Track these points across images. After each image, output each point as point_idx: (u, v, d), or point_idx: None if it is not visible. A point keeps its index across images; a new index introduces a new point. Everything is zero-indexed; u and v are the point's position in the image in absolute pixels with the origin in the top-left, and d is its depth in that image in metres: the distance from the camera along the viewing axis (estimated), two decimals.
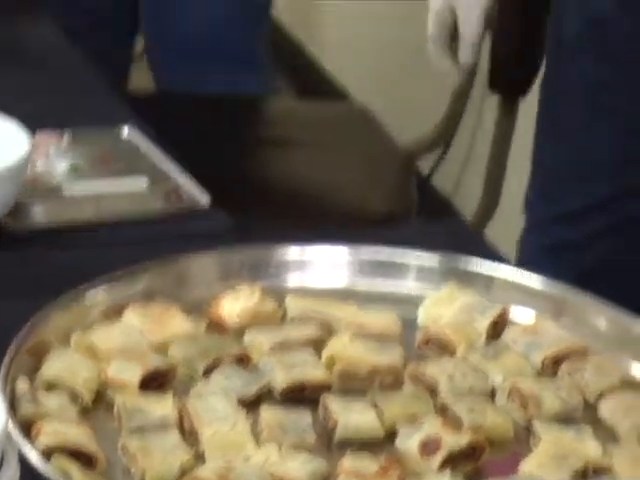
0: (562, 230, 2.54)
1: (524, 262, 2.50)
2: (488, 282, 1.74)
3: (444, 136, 3.36)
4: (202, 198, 1.94)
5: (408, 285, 1.77)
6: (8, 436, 1.30)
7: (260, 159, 3.15)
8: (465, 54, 2.49)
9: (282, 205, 2.78)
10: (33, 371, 1.53)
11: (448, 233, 2.37)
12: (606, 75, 2.19)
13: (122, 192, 1.93)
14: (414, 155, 3.36)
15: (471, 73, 2.64)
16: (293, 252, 1.77)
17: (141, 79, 3.84)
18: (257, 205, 2.45)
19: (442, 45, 2.50)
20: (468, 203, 3.37)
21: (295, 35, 5.62)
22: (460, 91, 3.23)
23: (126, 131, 2.08)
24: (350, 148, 3.30)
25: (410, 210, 3.15)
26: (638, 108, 2.08)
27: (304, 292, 1.71)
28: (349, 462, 1.43)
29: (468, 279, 1.74)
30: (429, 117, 3.44)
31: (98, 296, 1.65)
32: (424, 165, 3.52)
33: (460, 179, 3.25)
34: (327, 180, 3.13)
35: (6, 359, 1.50)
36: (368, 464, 1.44)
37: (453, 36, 2.50)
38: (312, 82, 5.34)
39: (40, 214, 1.88)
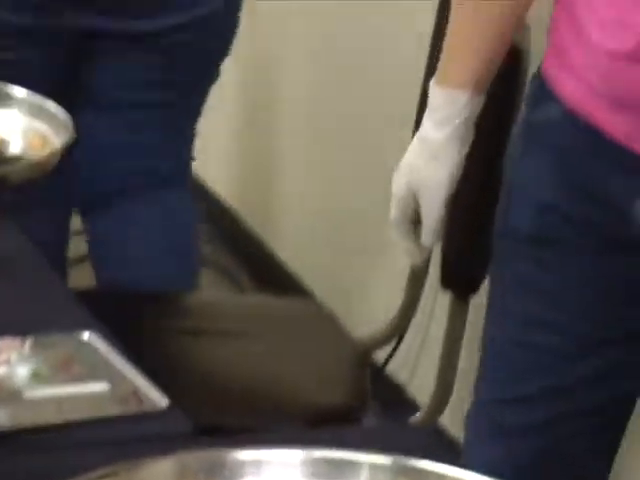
0: (513, 413, 2.55)
1: (472, 444, 2.60)
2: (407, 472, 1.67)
3: (399, 328, 3.39)
4: (161, 401, 1.95)
5: None
6: None
7: (215, 354, 3.18)
8: (427, 238, 2.52)
9: (238, 402, 2.79)
10: None
11: (401, 429, 2.39)
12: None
13: (83, 396, 1.94)
14: (369, 349, 3.40)
15: (427, 260, 2.69)
16: (247, 454, 1.69)
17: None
18: (213, 402, 2.42)
19: (405, 228, 2.53)
20: (424, 391, 3.38)
21: (254, 229, 5.66)
22: (415, 279, 3.33)
23: (87, 335, 2.10)
24: (306, 343, 3.34)
25: (364, 404, 3.15)
26: None
27: None
28: None
29: (419, 477, 1.68)
30: (385, 311, 3.49)
31: None
32: (379, 354, 3.55)
33: (415, 367, 3.24)
34: (283, 374, 3.16)
35: None
36: None
37: (416, 220, 2.53)
38: (271, 276, 5.39)
39: (3, 417, 1.88)
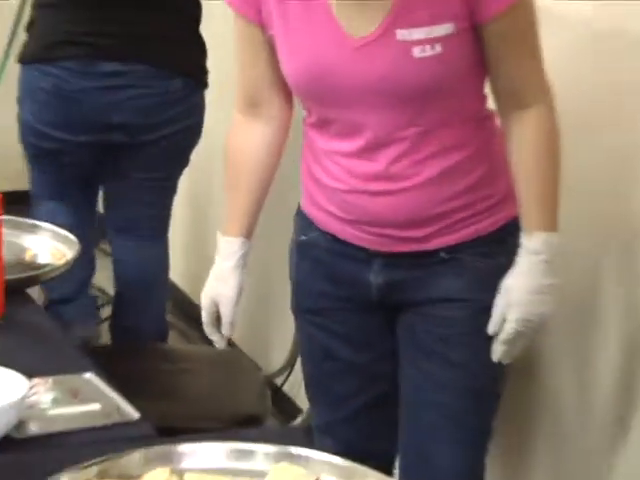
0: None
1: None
2: (306, 460, 1.78)
3: (290, 363, 3.49)
4: (134, 414, 2.01)
5: (258, 464, 1.80)
6: None
7: (171, 383, 3.19)
8: (225, 330, 2.54)
9: (182, 414, 2.84)
10: None
11: (287, 429, 2.47)
12: None
13: (84, 412, 2.00)
14: (271, 376, 3.50)
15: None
16: (187, 447, 1.81)
17: None
18: (168, 413, 2.46)
19: (212, 326, 2.55)
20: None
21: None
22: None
23: (88, 375, 2.14)
24: (229, 374, 3.44)
25: (265, 413, 3.25)
26: None
27: (195, 471, 1.76)
28: None
29: (295, 459, 1.79)
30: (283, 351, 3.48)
31: (75, 476, 1.70)
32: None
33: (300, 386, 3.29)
34: (213, 394, 3.28)
35: None
36: None
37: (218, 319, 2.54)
38: None
39: (34, 427, 1.94)
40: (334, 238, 2.43)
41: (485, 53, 2.22)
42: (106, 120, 3.55)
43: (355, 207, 2.35)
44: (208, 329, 2.53)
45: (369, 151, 2.29)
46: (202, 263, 4.94)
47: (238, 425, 2.85)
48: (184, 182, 4.43)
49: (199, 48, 3.74)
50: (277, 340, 2.89)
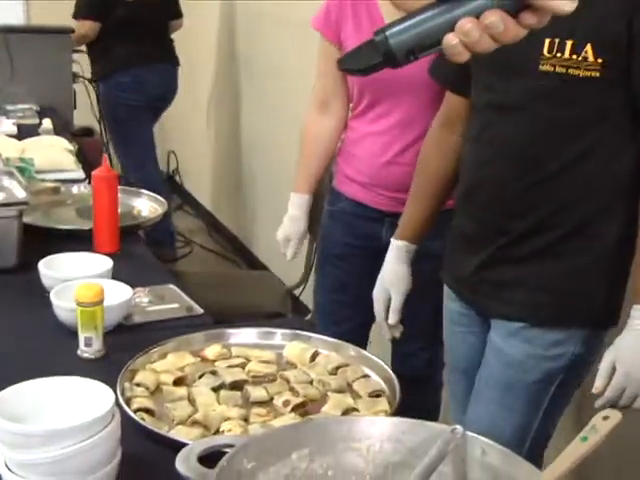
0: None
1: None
2: (308, 339, 1.76)
3: (305, 278, 3.38)
4: (199, 310, 1.97)
5: (278, 341, 1.78)
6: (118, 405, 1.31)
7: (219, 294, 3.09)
8: (289, 252, 2.57)
9: (232, 311, 2.71)
10: (131, 379, 1.58)
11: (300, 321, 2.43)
12: None
13: (168, 309, 1.95)
14: (292, 288, 3.42)
15: None
16: (233, 330, 1.80)
17: None
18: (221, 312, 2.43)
19: (286, 249, 2.57)
20: None
21: (230, 227, 5.30)
22: (308, 257, 3.32)
23: (170, 286, 2.06)
24: (262, 287, 3.37)
25: (287, 312, 3.23)
26: None
27: (239, 345, 1.75)
28: (255, 410, 1.51)
29: (302, 339, 1.77)
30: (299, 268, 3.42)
31: (159, 349, 1.70)
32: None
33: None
34: (251, 299, 3.19)
35: (120, 376, 1.55)
36: (262, 411, 1.51)
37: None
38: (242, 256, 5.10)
39: (138, 318, 1.90)
40: (357, 204, 2.45)
41: None
42: None
43: (380, 174, 2.36)
44: (285, 252, 2.59)
45: (401, 129, 2.30)
46: (250, 213, 5.01)
47: (269, 318, 2.78)
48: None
49: None
50: (295, 264, 2.84)
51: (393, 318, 2.14)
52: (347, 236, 2.50)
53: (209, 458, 1.15)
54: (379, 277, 2.15)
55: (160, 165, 5.14)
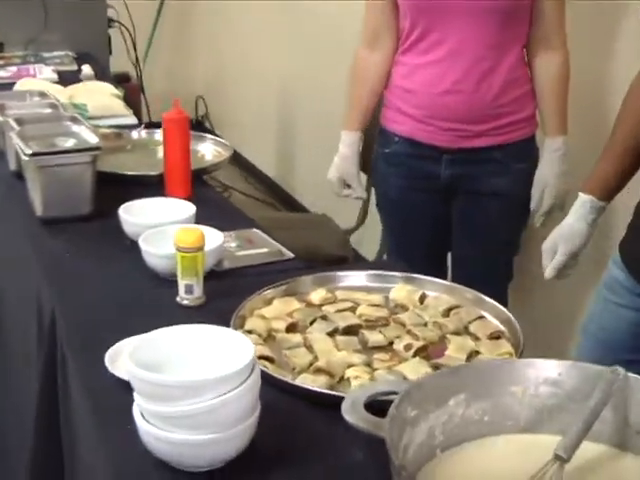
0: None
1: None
2: (409, 280, 1.72)
3: (359, 224, 3.33)
4: (289, 254, 1.92)
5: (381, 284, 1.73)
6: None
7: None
8: (356, 192, 2.54)
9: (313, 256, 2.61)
10: (241, 326, 1.55)
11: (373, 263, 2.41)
12: None
13: (257, 253, 1.91)
14: (348, 233, 3.35)
15: None
16: (338, 273, 1.76)
17: None
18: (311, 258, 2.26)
19: (341, 189, 2.52)
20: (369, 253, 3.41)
21: (283, 184, 5.20)
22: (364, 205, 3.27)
23: (254, 230, 2.03)
24: (323, 231, 3.30)
25: (349, 255, 3.19)
26: None
27: (342, 288, 1.71)
28: (377, 355, 1.48)
29: (407, 280, 1.72)
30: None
31: (263, 295, 1.67)
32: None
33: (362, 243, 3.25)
34: (319, 244, 3.11)
35: (232, 322, 1.52)
36: (384, 356, 1.48)
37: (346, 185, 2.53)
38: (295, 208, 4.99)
39: (227, 263, 1.85)
40: (411, 144, 2.38)
41: None
42: None
43: (436, 105, 2.31)
44: (340, 193, 2.56)
45: (454, 58, 2.26)
46: (289, 157, 4.94)
47: (331, 264, 2.61)
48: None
49: None
50: (341, 206, 2.79)
51: (549, 273, 1.99)
52: (404, 179, 2.44)
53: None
54: (556, 228, 1.99)
55: (188, 110, 5.05)
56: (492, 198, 2.37)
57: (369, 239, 3.51)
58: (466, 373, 1.16)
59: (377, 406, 1.10)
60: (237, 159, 5.33)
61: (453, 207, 2.45)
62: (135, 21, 4.88)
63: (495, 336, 1.55)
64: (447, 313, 1.63)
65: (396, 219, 2.56)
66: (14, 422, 2.10)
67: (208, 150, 2.62)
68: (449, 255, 2.58)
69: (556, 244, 1.97)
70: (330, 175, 2.54)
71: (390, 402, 1.06)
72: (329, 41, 4.18)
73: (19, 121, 2.26)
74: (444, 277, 2.47)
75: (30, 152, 2.04)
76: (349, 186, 2.54)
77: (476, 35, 2.23)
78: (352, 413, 1.06)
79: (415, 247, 2.53)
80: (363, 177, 2.63)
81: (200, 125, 6.10)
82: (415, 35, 2.31)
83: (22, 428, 1.90)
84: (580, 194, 1.94)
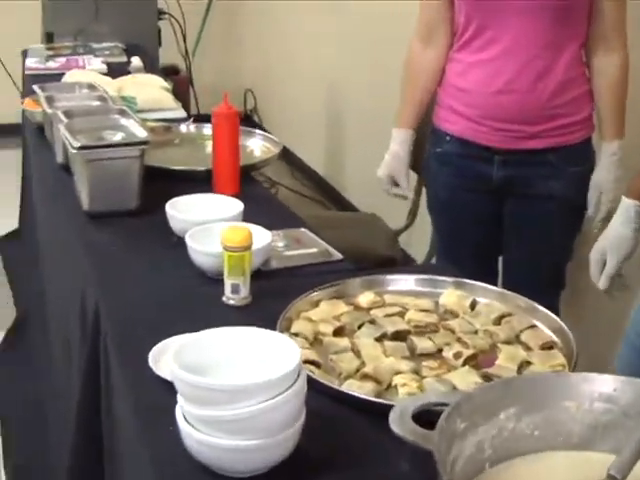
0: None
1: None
2: (460, 285, 1.70)
3: (409, 224, 3.32)
4: (338, 255, 1.90)
5: (438, 289, 1.71)
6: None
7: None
8: (404, 191, 2.49)
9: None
10: (287, 328, 1.53)
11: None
12: None
13: (305, 254, 1.90)
14: (397, 233, 3.34)
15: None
16: (388, 276, 1.74)
17: None
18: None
19: (390, 187, 2.49)
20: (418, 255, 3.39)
21: (332, 182, 5.21)
22: (413, 206, 3.25)
23: (302, 229, 2.02)
24: (372, 231, 3.29)
25: (398, 256, 3.18)
26: None
27: (391, 292, 1.71)
28: (425, 362, 1.46)
29: (458, 286, 1.70)
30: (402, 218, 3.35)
31: (310, 297, 1.65)
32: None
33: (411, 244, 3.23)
34: (368, 247, 3.09)
35: (278, 324, 1.51)
36: (432, 363, 1.46)
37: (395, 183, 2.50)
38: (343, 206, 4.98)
39: (275, 263, 1.84)
40: (463, 143, 2.36)
41: None
42: None
43: (490, 104, 2.28)
44: (389, 191, 2.53)
45: (508, 56, 2.23)
46: (338, 154, 4.93)
47: (379, 265, 2.60)
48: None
49: None
50: (392, 206, 2.78)
51: (603, 283, 1.98)
52: (455, 179, 2.41)
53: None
54: (601, 236, 2.00)
55: (236, 104, 5.04)
56: (546, 201, 2.33)
57: (418, 240, 3.50)
58: (518, 386, 1.13)
59: (425, 416, 1.09)
60: (285, 154, 5.32)
61: (505, 209, 2.41)
62: (185, 13, 4.91)
63: (547, 346, 1.52)
64: (498, 321, 1.61)
65: (446, 219, 2.54)
66: (55, 418, 2.11)
67: (257, 146, 2.62)
68: (500, 259, 2.56)
69: (605, 253, 1.96)
70: (380, 172, 2.51)
71: (438, 413, 1.04)
72: (379, 36, 4.15)
73: (67, 113, 2.27)
74: (494, 282, 2.42)
75: (78, 145, 2.05)
76: (397, 185, 2.52)
77: (530, 33, 2.20)
78: (400, 424, 1.05)
79: (464, 249, 2.50)
80: (413, 177, 2.61)
81: (248, 119, 6.13)
82: (470, 32, 2.28)
83: (63, 425, 1.91)
84: (624, 198, 1.92)
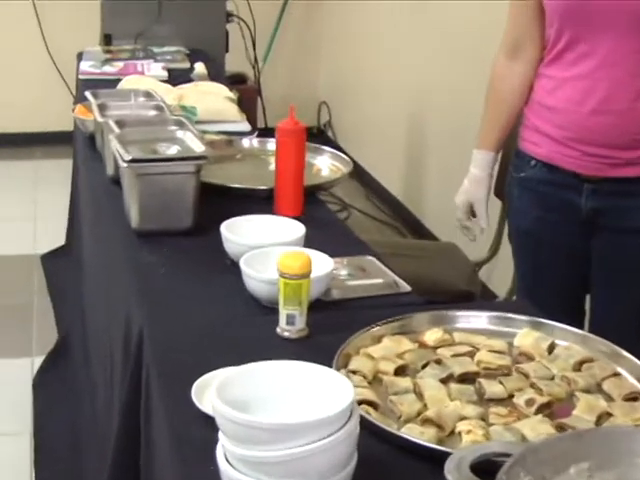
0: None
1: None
2: (537, 326, 1.71)
3: (491, 256, 3.32)
4: (406, 287, 1.92)
5: (512, 328, 1.72)
6: None
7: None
8: (482, 222, 2.48)
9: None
10: (345, 365, 1.54)
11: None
12: None
13: (370, 284, 1.91)
14: (478, 265, 3.34)
15: None
16: (458, 312, 1.76)
17: None
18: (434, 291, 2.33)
19: (465, 218, 2.49)
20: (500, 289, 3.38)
21: (409, 206, 5.25)
22: (497, 235, 3.25)
23: (369, 258, 2.03)
24: (447, 261, 3.30)
25: (477, 290, 3.16)
26: None
27: (461, 330, 1.71)
28: (493, 409, 1.46)
29: (535, 326, 1.70)
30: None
31: (372, 331, 1.66)
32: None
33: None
34: (444, 278, 3.11)
35: (335, 361, 1.52)
36: (502, 410, 1.46)
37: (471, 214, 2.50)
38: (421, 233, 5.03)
39: (337, 293, 1.86)
40: (549, 169, 2.32)
41: None
42: None
43: (582, 125, 2.23)
44: (462, 221, 2.52)
45: (604, 72, 2.19)
46: (417, 176, 4.94)
47: (455, 300, 2.57)
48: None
49: None
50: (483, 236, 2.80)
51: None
52: (538, 208, 2.38)
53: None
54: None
55: (308, 117, 5.08)
56: (634, 234, 2.27)
57: (501, 274, 3.49)
58: (591, 439, 1.15)
59: (486, 466, 1.10)
60: (359, 174, 5.39)
61: (593, 243, 2.36)
62: (256, 17, 4.93)
63: (632, 397, 1.50)
64: (578, 367, 1.60)
65: (526, 252, 2.50)
66: (93, 442, 2.15)
67: (325, 164, 2.64)
68: (587, 298, 2.51)
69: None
70: (457, 199, 2.50)
71: (500, 464, 1.05)
72: (467, 52, 4.16)
73: (120, 123, 2.31)
74: (580, 323, 2.43)
75: (129, 158, 2.08)
76: (474, 214, 2.50)
77: (630, 46, 2.15)
78: (456, 474, 1.06)
79: (547, 286, 2.47)
80: (496, 204, 2.61)
81: (322, 133, 6.18)
82: (561, 45, 2.25)
83: (102, 449, 1.95)
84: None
